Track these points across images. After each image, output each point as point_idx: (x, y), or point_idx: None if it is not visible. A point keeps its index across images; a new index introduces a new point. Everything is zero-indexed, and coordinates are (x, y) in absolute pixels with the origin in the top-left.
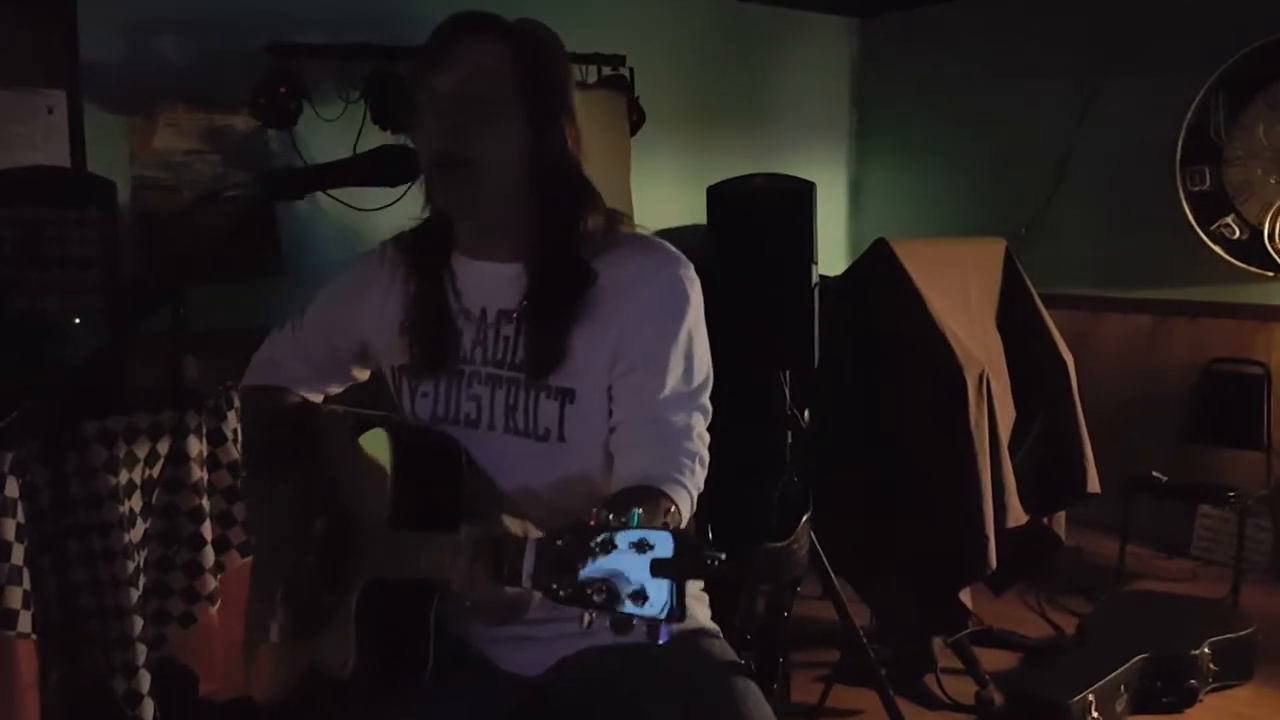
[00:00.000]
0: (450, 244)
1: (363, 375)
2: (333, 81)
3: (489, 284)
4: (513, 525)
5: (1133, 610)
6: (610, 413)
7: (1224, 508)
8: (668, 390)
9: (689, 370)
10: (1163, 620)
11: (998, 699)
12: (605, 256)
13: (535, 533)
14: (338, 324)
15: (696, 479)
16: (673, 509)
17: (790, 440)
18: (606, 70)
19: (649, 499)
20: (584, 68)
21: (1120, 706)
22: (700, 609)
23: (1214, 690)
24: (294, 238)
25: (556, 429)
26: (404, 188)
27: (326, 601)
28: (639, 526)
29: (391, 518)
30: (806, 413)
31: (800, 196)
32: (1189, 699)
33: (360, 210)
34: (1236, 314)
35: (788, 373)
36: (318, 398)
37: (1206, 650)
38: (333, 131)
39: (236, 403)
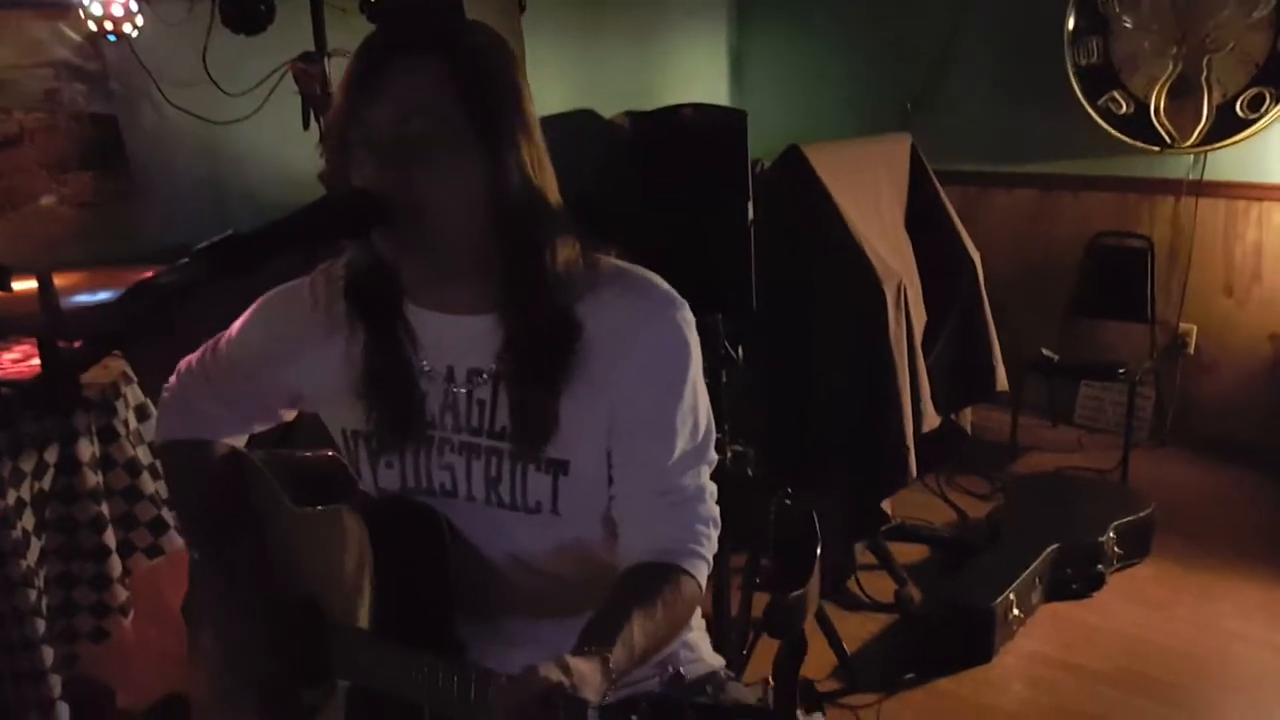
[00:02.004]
0: (399, 290)
1: (290, 416)
2: None
3: (454, 339)
4: (551, 672)
5: (1038, 499)
6: (610, 479)
7: (1110, 384)
8: (677, 454)
9: (695, 426)
10: (1068, 508)
11: (916, 595)
12: (588, 301)
13: (588, 678)
14: (263, 372)
15: (712, 544)
16: (696, 589)
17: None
18: None
19: (672, 582)
20: None
21: (1035, 598)
22: (705, 646)
23: (1117, 571)
24: (144, 158)
25: (549, 503)
26: (262, 99)
27: (306, 700)
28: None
29: (374, 616)
30: (741, 352)
31: (732, 128)
32: (1096, 583)
33: (215, 124)
34: (1121, 188)
35: (721, 316)
36: (241, 439)
37: (1112, 534)
38: (177, 36)
39: (123, 389)
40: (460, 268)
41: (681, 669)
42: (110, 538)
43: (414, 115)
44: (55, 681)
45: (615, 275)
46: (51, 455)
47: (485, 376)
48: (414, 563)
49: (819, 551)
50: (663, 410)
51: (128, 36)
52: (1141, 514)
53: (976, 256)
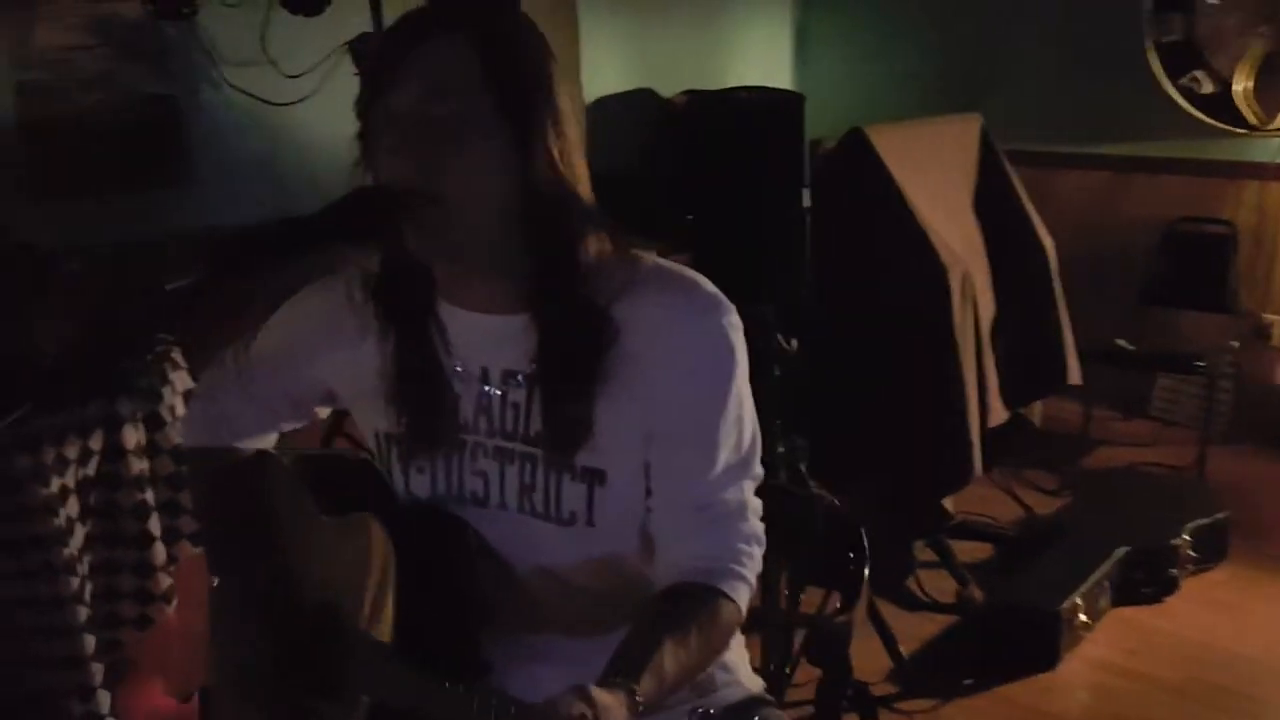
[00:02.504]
0: (431, 288)
1: (324, 414)
2: None
3: (487, 339)
4: (575, 705)
5: (1109, 497)
6: (648, 491)
7: (1188, 376)
8: (719, 468)
9: (739, 438)
10: (1141, 507)
11: (978, 596)
12: (627, 302)
13: (613, 713)
14: (297, 368)
15: (755, 564)
16: (735, 613)
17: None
18: None
19: (709, 605)
20: None
21: (1103, 603)
22: (743, 666)
23: (1192, 575)
24: (202, 138)
25: (584, 514)
26: (320, 80)
27: (321, 711)
28: None
29: (398, 631)
30: (794, 342)
31: (789, 112)
32: (1169, 588)
33: (274, 105)
34: (1202, 171)
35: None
36: (270, 439)
37: (1186, 538)
38: (237, 18)
39: (170, 375)
40: (488, 263)
41: (713, 711)
42: (154, 525)
43: (441, 95)
44: (96, 669)
45: (656, 275)
46: (96, 442)
47: (520, 379)
48: (440, 576)
49: (867, 572)
50: (704, 420)
51: (187, 17)
52: (1218, 516)
53: (1049, 243)
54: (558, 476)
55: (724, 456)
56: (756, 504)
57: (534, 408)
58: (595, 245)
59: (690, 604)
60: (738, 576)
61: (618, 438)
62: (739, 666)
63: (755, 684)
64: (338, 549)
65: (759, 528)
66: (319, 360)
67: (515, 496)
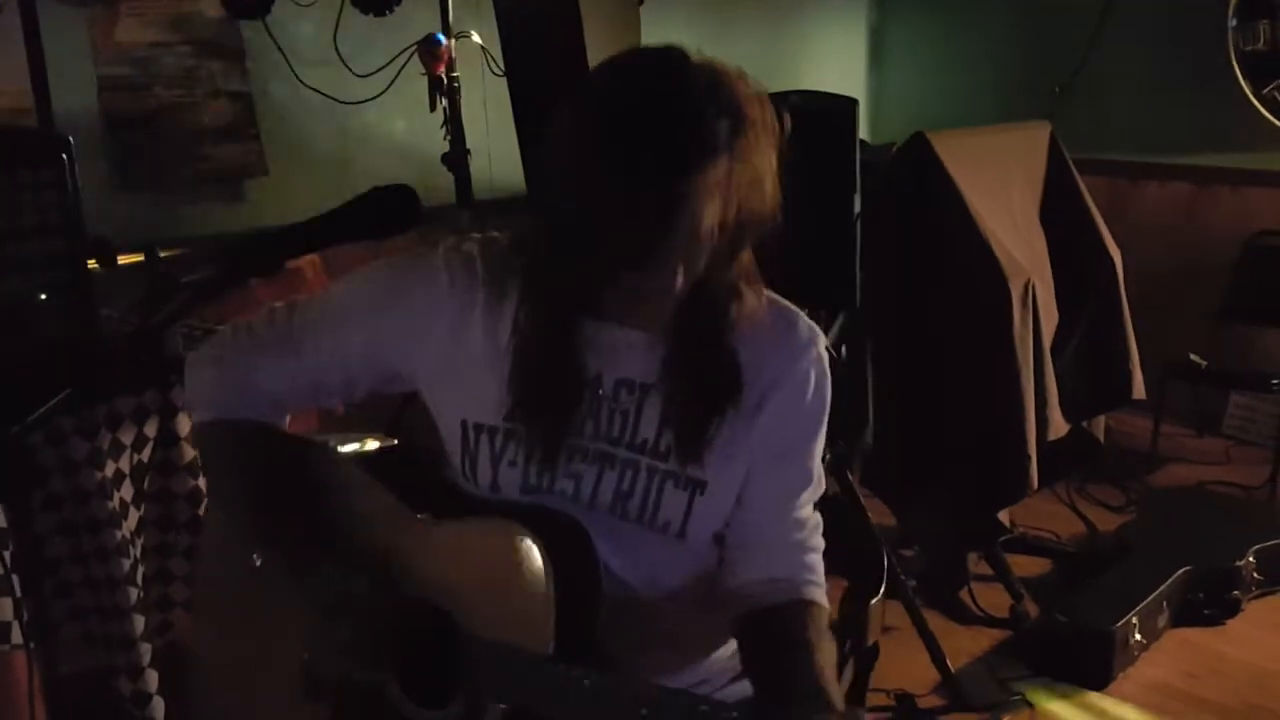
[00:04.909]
0: (574, 295)
1: (359, 398)
2: None
3: (608, 347)
4: None
5: (1174, 515)
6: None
7: (1264, 395)
8: (811, 486)
9: (821, 459)
10: (1205, 527)
11: (1032, 611)
12: (741, 328)
13: None
14: (367, 345)
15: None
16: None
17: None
18: None
19: (818, 621)
20: None
21: (1161, 622)
22: None
23: (1255, 598)
24: (277, 136)
25: (679, 523)
26: (390, 80)
27: (404, 708)
28: None
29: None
30: (844, 349)
31: (841, 117)
32: (1231, 610)
33: (345, 103)
34: None
35: (822, 312)
36: (285, 420)
37: (1251, 559)
38: (310, 16)
39: None
40: (650, 300)
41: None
42: (205, 511)
43: (700, 228)
44: (145, 649)
45: (767, 305)
46: (151, 429)
47: (634, 388)
48: (570, 588)
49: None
50: (807, 443)
51: (261, 16)
52: None
53: (1116, 254)
54: (660, 484)
55: (814, 478)
56: (819, 517)
57: (645, 417)
58: (749, 303)
59: (811, 621)
60: (819, 585)
61: (726, 451)
62: None
63: None
64: (452, 553)
65: (822, 540)
66: (404, 341)
67: (609, 499)
